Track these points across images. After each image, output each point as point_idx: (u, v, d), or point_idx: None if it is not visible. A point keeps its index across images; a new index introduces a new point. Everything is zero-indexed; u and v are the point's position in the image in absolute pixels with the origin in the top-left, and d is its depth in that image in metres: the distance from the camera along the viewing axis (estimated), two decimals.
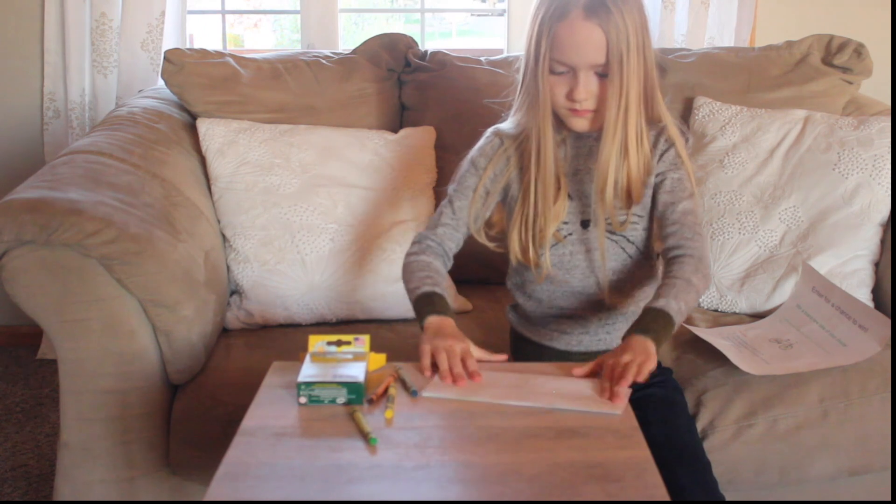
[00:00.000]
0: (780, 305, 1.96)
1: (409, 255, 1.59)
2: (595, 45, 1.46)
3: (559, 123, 1.56)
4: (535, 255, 1.58)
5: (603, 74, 1.49)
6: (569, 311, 1.64)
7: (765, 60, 2.34)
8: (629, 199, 1.56)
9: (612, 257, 1.60)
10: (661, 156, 1.57)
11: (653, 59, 1.52)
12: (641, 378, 1.30)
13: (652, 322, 1.39)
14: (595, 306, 1.63)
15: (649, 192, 1.58)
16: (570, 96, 1.49)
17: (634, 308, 1.62)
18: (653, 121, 1.57)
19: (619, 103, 1.49)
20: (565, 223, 1.59)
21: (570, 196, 1.59)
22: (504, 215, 1.66)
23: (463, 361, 1.35)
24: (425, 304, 1.48)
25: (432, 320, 1.45)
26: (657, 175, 1.57)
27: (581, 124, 1.54)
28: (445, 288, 1.53)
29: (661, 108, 1.57)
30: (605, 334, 1.63)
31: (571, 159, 1.59)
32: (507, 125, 1.64)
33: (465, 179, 1.63)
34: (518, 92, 1.59)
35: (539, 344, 1.65)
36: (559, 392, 1.28)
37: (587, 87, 1.48)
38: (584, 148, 1.59)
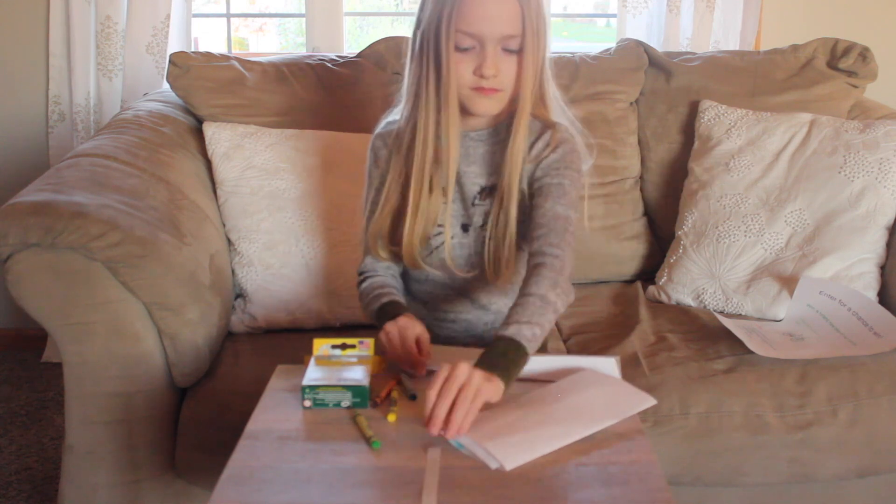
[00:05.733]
0: (789, 307, 1.96)
1: (358, 286, 1.57)
2: (508, 13, 1.36)
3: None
4: (413, 255, 1.50)
5: (512, 50, 1.39)
6: (452, 315, 1.59)
7: (770, 64, 2.34)
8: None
9: (496, 260, 1.50)
10: (543, 161, 1.46)
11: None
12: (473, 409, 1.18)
13: (501, 357, 1.26)
14: (479, 309, 1.59)
15: (526, 193, 1.49)
16: (477, 72, 1.38)
17: None
18: (537, 115, 1.48)
19: (534, 81, 1.41)
20: (443, 226, 1.51)
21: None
22: None
23: (416, 342, 1.37)
24: (382, 316, 1.46)
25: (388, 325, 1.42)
26: (535, 180, 1.46)
27: (487, 105, 1.42)
28: (401, 294, 1.53)
29: (551, 105, 1.49)
30: (491, 338, 1.59)
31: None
32: (386, 123, 1.56)
33: (369, 197, 1.55)
34: (406, 80, 1.48)
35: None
36: (577, 407, 1.23)
37: (495, 62, 1.38)
38: (462, 148, 1.49)
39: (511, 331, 1.28)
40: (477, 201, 1.51)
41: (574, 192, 1.45)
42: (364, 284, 1.55)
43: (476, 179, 1.50)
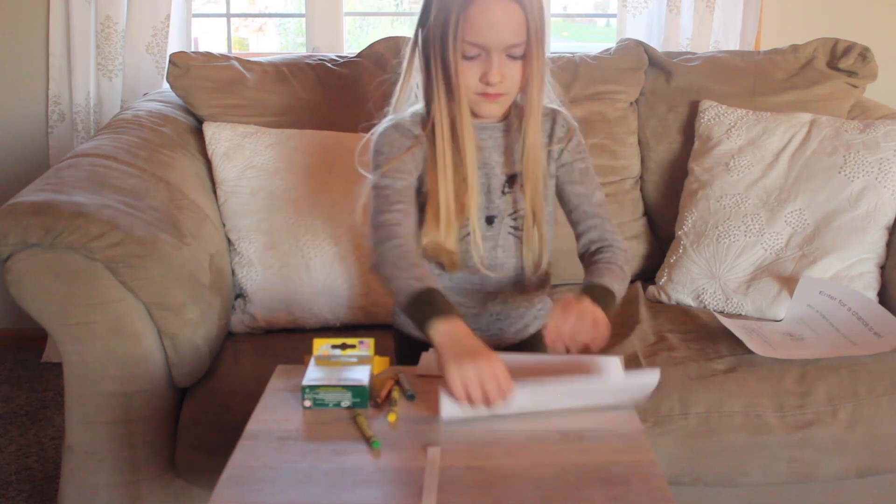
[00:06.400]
0: (788, 307, 1.96)
1: (381, 243, 1.41)
2: (514, 23, 1.37)
3: None
4: (452, 248, 1.49)
5: (515, 56, 1.40)
6: (463, 309, 1.56)
7: (770, 64, 2.35)
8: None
9: (516, 254, 1.54)
10: (567, 143, 1.52)
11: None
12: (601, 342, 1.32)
13: (599, 300, 1.36)
14: (490, 303, 1.58)
15: (552, 183, 1.53)
16: (483, 79, 1.40)
17: (527, 304, 1.59)
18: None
19: (541, 83, 1.44)
20: (468, 219, 1.50)
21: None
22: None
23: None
24: (423, 303, 1.30)
25: (441, 328, 1.25)
26: (562, 165, 1.52)
27: (493, 109, 1.45)
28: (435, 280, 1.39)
29: (547, 94, 1.51)
30: (498, 330, 1.58)
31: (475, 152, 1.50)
32: (408, 116, 1.50)
33: (385, 184, 1.46)
34: (400, 82, 1.51)
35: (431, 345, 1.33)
36: (578, 383, 1.25)
37: (501, 70, 1.39)
38: (487, 140, 1.50)
39: (605, 281, 1.41)
40: (506, 189, 1.52)
41: (595, 174, 1.56)
42: (390, 244, 1.39)
43: (503, 169, 1.52)
